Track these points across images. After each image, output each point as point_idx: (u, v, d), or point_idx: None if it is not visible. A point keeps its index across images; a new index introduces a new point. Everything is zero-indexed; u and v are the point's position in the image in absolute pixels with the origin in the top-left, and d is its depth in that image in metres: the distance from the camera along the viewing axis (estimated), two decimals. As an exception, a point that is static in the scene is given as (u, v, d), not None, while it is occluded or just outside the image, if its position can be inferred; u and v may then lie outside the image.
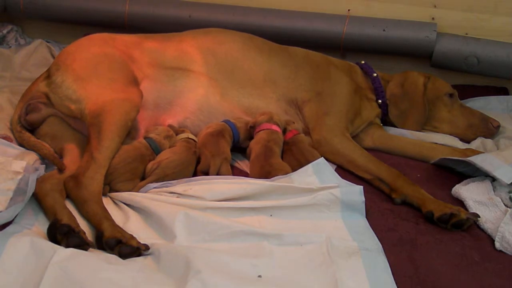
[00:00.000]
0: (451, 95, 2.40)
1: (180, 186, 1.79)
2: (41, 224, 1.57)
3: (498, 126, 2.35)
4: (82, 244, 1.48)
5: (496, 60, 2.61)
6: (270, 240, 1.54)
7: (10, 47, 2.79)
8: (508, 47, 2.62)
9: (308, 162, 1.88)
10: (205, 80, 2.18)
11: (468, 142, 2.33)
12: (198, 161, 1.98)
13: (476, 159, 1.92)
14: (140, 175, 1.86)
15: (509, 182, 1.82)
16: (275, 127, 2.06)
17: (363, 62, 2.48)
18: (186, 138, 2.01)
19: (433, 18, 2.76)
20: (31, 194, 1.56)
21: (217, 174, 1.91)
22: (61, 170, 1.76)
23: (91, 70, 1.95)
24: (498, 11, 2.73)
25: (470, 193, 1.85)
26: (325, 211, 1.70)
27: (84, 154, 1.77)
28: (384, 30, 2.67)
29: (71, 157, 1.85)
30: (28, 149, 1.86)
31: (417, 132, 2.34)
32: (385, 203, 1.86)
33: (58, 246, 1.45)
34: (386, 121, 2.42)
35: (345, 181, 1.81)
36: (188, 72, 2.17)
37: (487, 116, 2.37)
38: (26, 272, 1.34)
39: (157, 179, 1.83)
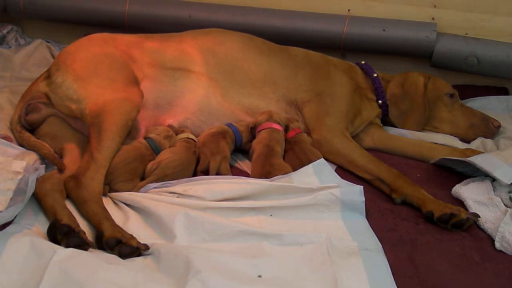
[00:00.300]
0: (451, 95, 2.40)
1: (180, 186, 1.79)
2: (41, 224, 1.57)
3: (499, 126, 2.35)
4: (82, 244, 1.48)
5: (496, 60, 2.61)
6: (270, 240, 1.54)
7: (10, 47, 2.79)
8: (508, 47, 2.62)
9: (310, 162, 1.88)
10: (205, 80, 2.18)
11: (468, 142, 2.33)
12: (198, 161, 1.98)
13: (476, 159, 1.92)
14: (140, 175, 1.86)
15: (509, 182, 1.82)
16: (275, 125, 2.07)
17: (363, 62, 2.48)
18: (186, 138, 2.01)
19: (433, 18, 2.76)
20: (31, 194, 1.56)
21: (217, 173, 1.91)
22: (61, 170, 1.76)
23: (92, 70, 1.95)
24: (498, 11, 2.73)
25: (470, 193, 1.85)
26: (325, 211, 1.70)
27: (84, 154, 1.77)
28: (384, 30, 2.67)
29: (71, 157, 1.85)
30: (28, 149, 1.86)
31: (417, 132, 2.34)
32: (385, 203, 1.86)
33: (58, 246, 1.45)
34: (386, 121, 2.42)
35: (345, 181, 1.81)
36: (188, 72, 2.17)
37: (487, 116, 2.37)
38: (26, 272, 1.34)
39: (157, 179, 1.83)
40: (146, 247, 1.50)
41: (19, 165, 1.56)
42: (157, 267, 1.44)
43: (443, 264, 1.54)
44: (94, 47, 2.06)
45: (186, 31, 2.34)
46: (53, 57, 2.70)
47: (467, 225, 1.71)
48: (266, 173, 1.88)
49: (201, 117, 2.14)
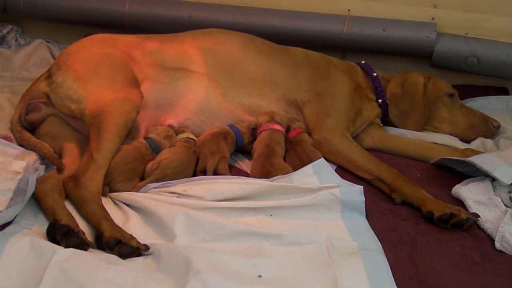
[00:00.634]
0: (451, 95, 2.40)
1: (180, 186, 1.79)
2: (41, 225, 1.57)
3: (499, 126, 2.35)
4: (81, 244, 1.48)
5: (496, 60, 2.61)
6: (270, 240, 1.54)
7: (10, 47, 2.79)
8: (508, 47, 2.62)
9: (311, 162, 1.88)
10: (206, 80, 2.18)
11: (468, 142, 2.33)
12: (198, 161, 1.98)
13: (476, 159, 1.92)
14: (139, 175, 1.86)
15: (509, 183, 1.82)
16: (276, 126, 2.07)
17: (363, 62, 2.48)
18: (186, 138, 2.01)
19: (433, 18, 2.76)
20: (31, 194, 1.56)
21: (215, 173, 1.91)
22: (60, 170, 1.76)
23: (92, 70, 1.95)
24: (498, 11, 2.73)
25: (470, 193, 1.85)
26: (325, 211, 1.70)
27: (84, 154, 1.77)
28: (384, 30, 2.67)
29: (71, 157, 1.85)
30: (28, 149, 1.86)
31: (417, 132, 2.34)
32: (385, 203, 1.86)
33: (58, 246, 1.45)
34: (386, 121, 2.42)
35: (345, 181, 1.81)
36: (188, 72, 2.17)
37: (487, 116, 2.37)
38: (26, 272, 1.34)
39: (157, 179, 1.83)
40: (146, 247, 1.50)
41: (19, 165, 1.56)
42: (157, 267, 1.43)
43: (443, 264, 1.54)
44: (94, 48, 2.06)
45: (187, 32, 2.35)
46: (53, 57, 2.70)
47: (467, 225, 1.71)
48: (266, 173, 1.88)
49: (202, 117, 2.14)
